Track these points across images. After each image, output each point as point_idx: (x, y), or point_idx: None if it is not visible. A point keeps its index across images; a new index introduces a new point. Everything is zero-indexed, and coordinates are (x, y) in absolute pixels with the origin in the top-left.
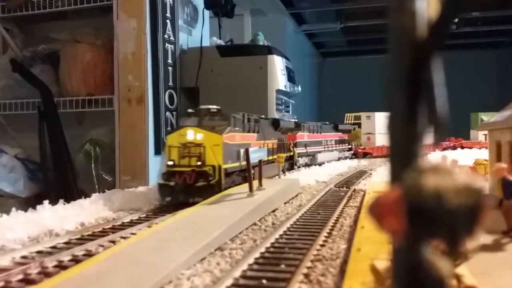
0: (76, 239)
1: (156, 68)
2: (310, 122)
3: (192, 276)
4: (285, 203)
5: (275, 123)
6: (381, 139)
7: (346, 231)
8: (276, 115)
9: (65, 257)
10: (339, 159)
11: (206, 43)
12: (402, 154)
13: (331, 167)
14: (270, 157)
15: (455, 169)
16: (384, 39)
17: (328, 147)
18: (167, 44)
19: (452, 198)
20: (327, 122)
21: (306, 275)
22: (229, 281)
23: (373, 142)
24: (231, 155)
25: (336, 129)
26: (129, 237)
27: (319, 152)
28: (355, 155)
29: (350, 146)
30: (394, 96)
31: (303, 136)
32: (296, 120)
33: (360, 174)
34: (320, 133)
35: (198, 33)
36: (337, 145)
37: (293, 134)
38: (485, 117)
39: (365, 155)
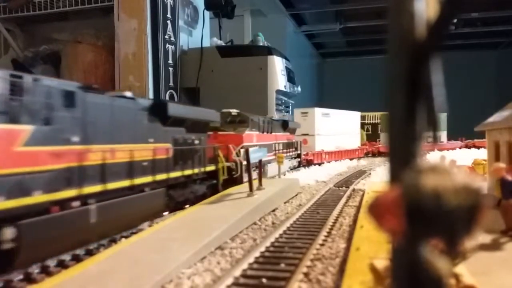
0: None
1: (156, 69)
2: (259, 116)
3: (192, 275)
4: (285, 202)
5: (158, 109)
6: (322, 141)
7: (346, 230)
8: (276, 116)
9: (66, 256)
10: (289, 170)
11: (206, 43)
12: (401, 154)
13: (331, 167)
14: (119, 183)
15: (453, 169)
16: (384, 39)
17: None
18: (167, 45)
19: (450, 198)
20: (273, 117)
21: (306, 274)
22: (230, 280)
23: (312, 145)
24: None
25: (285, 127)
26: (129, 236)
27: (269, 162)
28: (300, 163)
29: (298, 152)
30: (393, 96)
31: (251, 137)
32: (239, 111)
33: (359, 174)
34: (271, 132)
35: (199, 34)
36: (287, 150)
37: (237, 133)
38: None
39: (308, 163)
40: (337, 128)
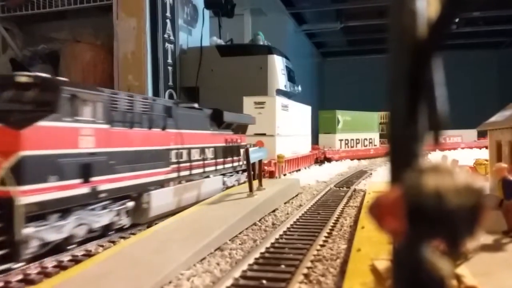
0: None
1: (156, 68)
2: (129, 93)
3: (192, 277)
4: (285, 203)
5: None
6: (282, 145)
7: (346, 231)
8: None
9: (65, 257)
10: (222, 189)
11: (206, 42)
12: (403, 154)
13: (331, 167)
14: None
15: (455, 169)
16: (385, 39)
17: (197, 167)
18: (167, 44)
19: (452, 198)
20: (196, 105)
21: (306, 275)
22: (229, 282)
23: (271, 150)
24: None
25: (218, 122)
26: (129, 237)
27: (161, 183)
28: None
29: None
30: (394, 96)
31: (60, 134)
32: (39, 75)
33: (360, 174)
34: (165, 128)
35: (198, 33)
36: (222, 160)
37: (8, 127)
38: (343, 116)
39: (271, 175)
40: (295, 127)
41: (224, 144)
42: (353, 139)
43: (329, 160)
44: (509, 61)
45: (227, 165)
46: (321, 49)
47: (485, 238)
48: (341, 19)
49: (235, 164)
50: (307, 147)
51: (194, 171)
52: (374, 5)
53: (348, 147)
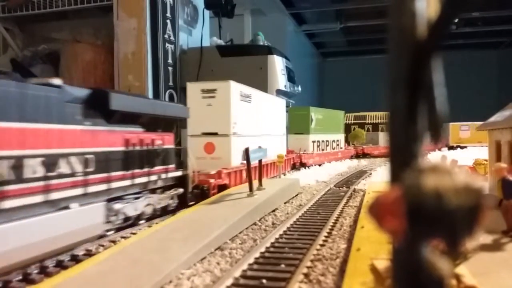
0: None
1: (156, 68)
2: None
3: (192, 276)
4: (285, 202)
5: None
6: (242, 148)
7: (346, 231)
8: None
9: (65, 256)
10: (114, 224)
11: (206, 43)
12: (402, 154)
13: (331, 167)
14: None
15: (454, 169)
16: (384, 39)
17: (31, 192)
18: (167, 44)
19: (451, 198)
20: (58, 81)
21: (306, 275)
22: (229, 281)
23: (224, 156)
24: None
25: (103, 111)
26: (129, 237)
27: None
28: (185, 199)
29: (180, 173)
30: (394, 96)
31: None
32: None
33: (360, 174)
34: None
35: (198, 33)
36: (110, 176)
37: None
38: (316, 114)
39: (221, 188)
40: (261, 124)
41: (121, 148)
42: (323, 141)
43: (303, 165)
44: (509, 61)
45: (123, 183)
46: (321, 49)
47: (484, 238)
48: (341, 19)
49: (143, 179)
50: (280, 151)
51: (17, 201)
52: (374, 5)
53: (320, 149)
